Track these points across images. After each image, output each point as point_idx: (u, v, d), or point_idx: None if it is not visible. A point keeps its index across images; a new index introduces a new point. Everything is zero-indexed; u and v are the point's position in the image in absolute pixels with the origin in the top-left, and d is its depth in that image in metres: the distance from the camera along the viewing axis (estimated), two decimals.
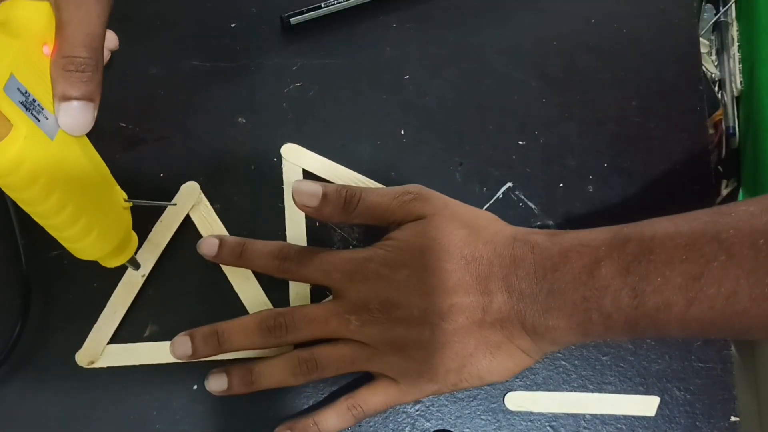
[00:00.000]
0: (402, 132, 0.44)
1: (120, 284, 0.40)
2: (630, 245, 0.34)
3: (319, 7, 0.45)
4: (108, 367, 0.40)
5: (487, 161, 0.44)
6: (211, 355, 0.38)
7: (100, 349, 0.40)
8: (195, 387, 0.40)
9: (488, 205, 0.43)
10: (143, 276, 0.41)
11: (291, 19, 0.44)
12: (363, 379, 0.39)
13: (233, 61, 0.45)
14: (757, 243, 0.31)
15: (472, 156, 0.44)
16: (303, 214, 0.42)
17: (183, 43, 0.45)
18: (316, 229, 0.42)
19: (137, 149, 0.43)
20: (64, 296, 0.41)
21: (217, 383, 0.38)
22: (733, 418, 0.40)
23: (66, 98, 0.30)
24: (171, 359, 0.39)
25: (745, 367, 0.49)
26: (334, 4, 0.45)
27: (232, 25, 0.45)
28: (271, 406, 0.40)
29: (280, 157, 0.43)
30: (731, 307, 0.31)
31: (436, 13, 0.46)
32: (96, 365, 0.40)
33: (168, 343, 0.38)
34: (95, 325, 0.40)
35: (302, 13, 0.45)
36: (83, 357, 0.40)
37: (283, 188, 0.43)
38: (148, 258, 0.41)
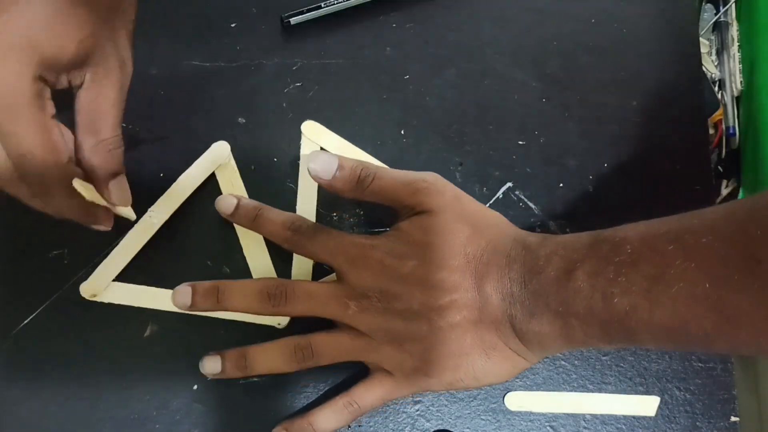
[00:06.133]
0: (402, 132, 0.44)
1: (134, 228, 0.41)
2: (604, 248, 0.33)
3: (319, 7, 0.45)
4: (109, 364, 0.40)
5: (487, 161, 0.44)
6: (209, 310, 0.38)
7: (105, 284, 0.40)
8: (195, 387, 0.40)
9: (488, 205, 0.43)
10: (158, 223, 0.41)
11: (291, 19, 0.45)
12: (360, 376, 0.39)
13: (233, 61, 0.45)
14: (712, 245, 0.30)
15: (472, 156, 0.44)
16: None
17: (183, 43, 0.45)
18: (325, 223, 0.42)
19: (137, 149, 0.43)
20: (64, 296, 0.41)
21: (211, 366, 0.38)
22: (733, 418, 0.40)
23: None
24: (171, 307, 0.39)
25: (745, 367, 0.49)
26: (334, 4, 0.45)
27: (232, 25, 0.45)
28: (271, 406, 0.40)
29: (280, 156, 0.43)
30: (690, 311, 0.30)
31: (436, 13, 0.46)
32: (97, 299, 0.40)
33: (171, 291, 0.38)
34: (104, 261, 0.40)
35: (302, 13, 0.45)
36: (87, 289, 0.40)
37: (289, 185, 0.43)
38: (166, 208, 0.41)
